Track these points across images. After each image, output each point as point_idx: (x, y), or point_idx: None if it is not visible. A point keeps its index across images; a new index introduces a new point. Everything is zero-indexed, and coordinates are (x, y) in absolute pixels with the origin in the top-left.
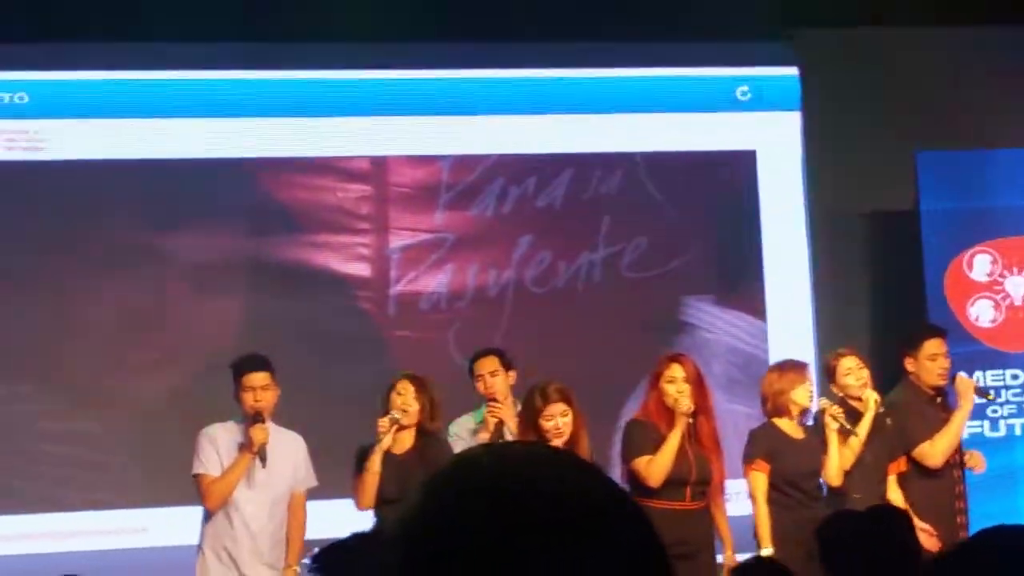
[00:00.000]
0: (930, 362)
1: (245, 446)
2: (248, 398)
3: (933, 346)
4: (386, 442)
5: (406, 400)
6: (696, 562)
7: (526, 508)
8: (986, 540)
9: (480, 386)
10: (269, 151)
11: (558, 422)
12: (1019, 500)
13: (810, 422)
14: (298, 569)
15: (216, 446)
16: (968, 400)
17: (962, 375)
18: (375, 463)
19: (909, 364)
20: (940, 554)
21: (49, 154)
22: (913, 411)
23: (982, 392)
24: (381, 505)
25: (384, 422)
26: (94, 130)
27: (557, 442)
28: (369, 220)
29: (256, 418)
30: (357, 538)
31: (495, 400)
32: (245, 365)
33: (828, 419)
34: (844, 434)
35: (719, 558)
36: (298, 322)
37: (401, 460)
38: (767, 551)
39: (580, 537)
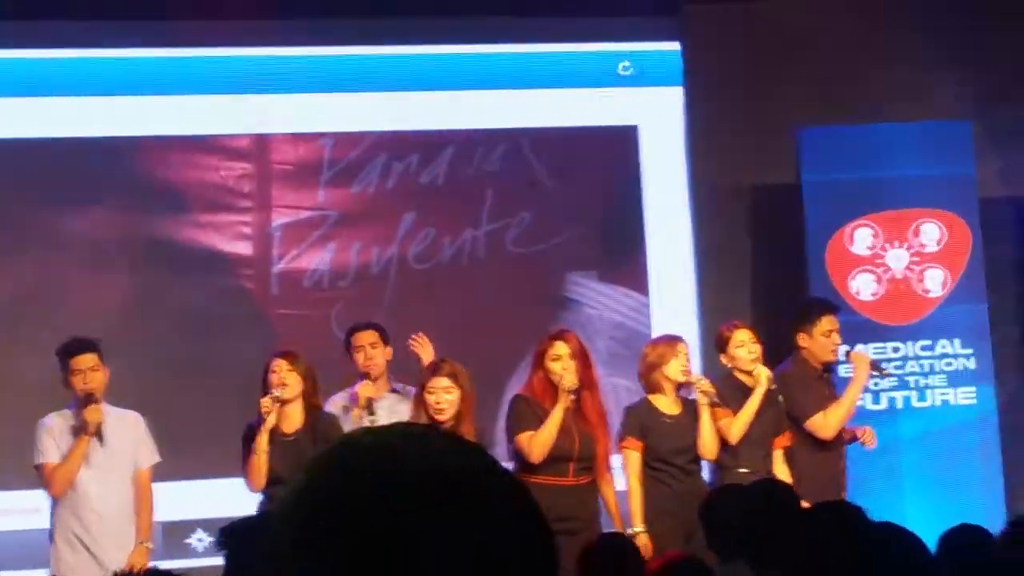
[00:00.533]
0: (824, 338)
1: (81, 429)
2: (77, 381)
3: (828, 322)
4: (270, 421)
5: (282, 375)
6: (581, 537)
7: (407, 488)
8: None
9: (359, 358)
10: (150, 129)
11: (440, 396)
12: (900, 473)
13: (691, 396)
14: (150, 545)
15: (53, 435)
16: (863, 373)
17: (857, 350)
18: (262, 443)
19: (802, 340)
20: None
21: None
22: (804, 385)
23: (877, 368)
24: (273, 485)
25: (266, 402)
26: None
27: (439, 418)
28: (251, 198)
29: (88, 399)
30: (261, 516)
31: (370, 373)
32: (71, 348)
33: (699, 394)
34: (715, 407)
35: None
36: (181, 301)
37: (291, 439)
38: (637, 529)
39: (459, 515)
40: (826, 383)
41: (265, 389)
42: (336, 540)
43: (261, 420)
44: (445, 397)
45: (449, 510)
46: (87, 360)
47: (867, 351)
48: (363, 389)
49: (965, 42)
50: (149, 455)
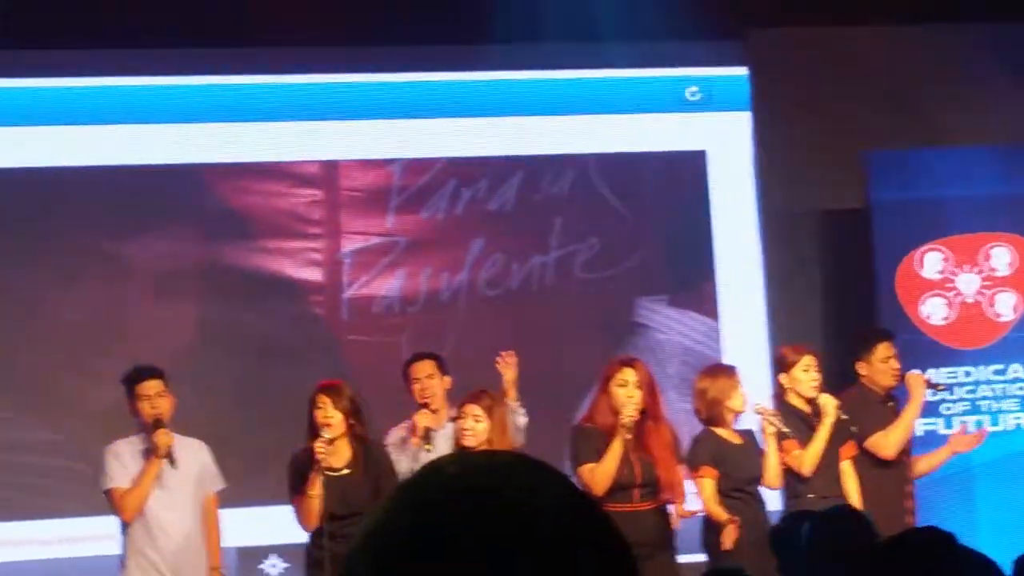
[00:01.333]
0: (883, 364)
1: (151, 453)
2: (145, 406)
3: (885, 349)
4: (325, 462)
5: (326, 413)
6: (652, 563)
7: (493, 516)
8: (907, 537)
9: (416, 388)
10: (220, 156)
11: (468, 423)
12: (973, 497)
13: (745, 426)
14: (222, 572)
15: (122, 460)
16: (919, 394)
17: (912, 371)
18: (316, 487)
19: (861, 368)
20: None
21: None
22: (867, 409)
23: (932, 385)
24: (326, 522)
25: (320, 448)
26: (43, 137)
27: (464, 443)
28: (321, 224)
29: (157, 424)
30: None
31: (427, 404)
32: (136, 375)
33: (765, 424)
34: (780, 437)
35: (679, 559)
36: (251, 327)
37: (340, 475)
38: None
39: (553, 541)
40: (890, 409)
41: (310, 421)
42: (422, 570)
43: (307, 452)
44: (473, 425)
45: (536, 538)
46: (153, 386)
47: (922, 373)
48: (421, 419)
49: None
50: (215, 481)
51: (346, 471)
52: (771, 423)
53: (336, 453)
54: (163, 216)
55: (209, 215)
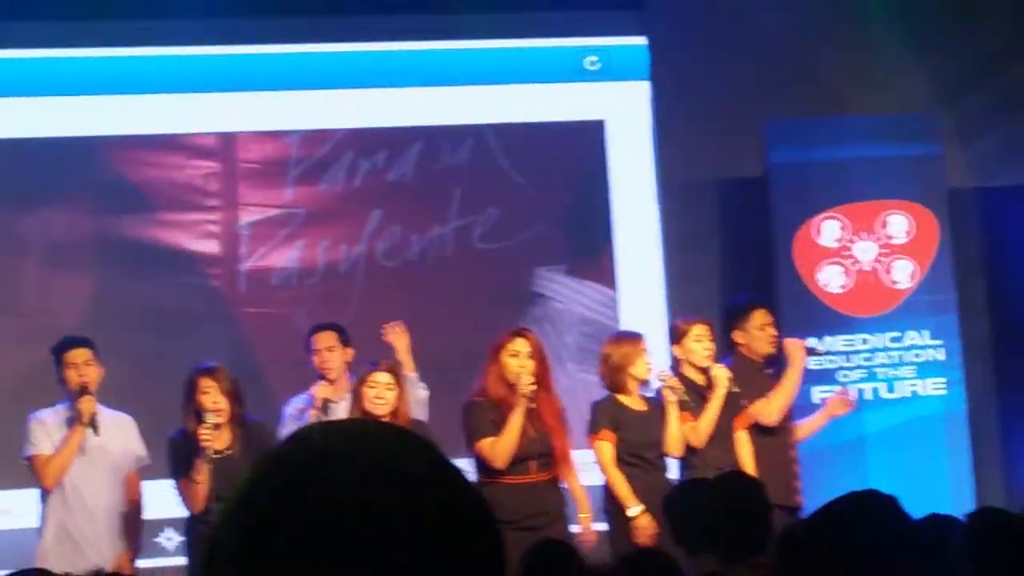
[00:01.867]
0: (759, 332)
1: (75, 421)
2: (72, 374)
3: (761, 316)
4: (210, 449)
5: (214, 398)
6: (550, 531)
7: (359, 483)
8: (848, 503)
9: (316, 360)
10: (117, 129)
11: (381, 391)
12: (867, 466)
13: (651, 393)
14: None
15: (46, 428)
16: (799, 359)
17: (789, 338)
18: (202, 472)
19: (738, 337)
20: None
21: None
22: (746, 379)
23: (811, 350)
24: (212, 502)
25: (206, 432)
26: None
27: (376, 412)
28: (218, 197)
29: (82, 391)
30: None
31: (326, 376)
32: (65, 344)
33: (666, 391)
34: (681, 405)
35: (573, 527)
36: (148, 300)
37: (223, 457)
38: (635, 509)
39: (419, 508)
40: (768, 376)
41: (190, 405)
42: (280, 528)
43: (183, 435)
44: (386, 393)
45: (386, 501)
46: (81, 354)
47: (825, 343)
48: (320, 391)
49: (931, 33)
50: (141, 456)
51: (229, 452)
52: (672, 391)
53: (219, 436)
54: (60, 190)
55: (106, 188)
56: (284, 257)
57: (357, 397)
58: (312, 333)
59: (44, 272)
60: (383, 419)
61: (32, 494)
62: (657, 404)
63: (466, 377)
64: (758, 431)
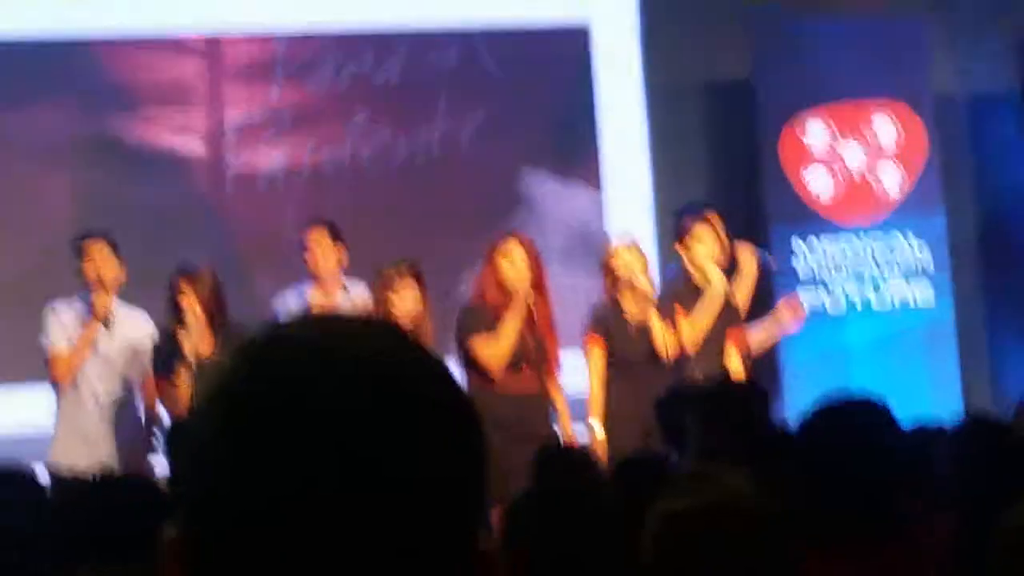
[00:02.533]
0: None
1: (88, 316)
2: (89, 267)
3: (701, 230)
4: (190, 353)
5: (190, 301)
6: (538, 441)
7: (345, 375)
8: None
9: (307, 258)
10: (104, 28)
11: (406, 298)
12: (852, 375)
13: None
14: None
15: (61, 320)
16: (751, 267)
17: (742, 243)
18: (182, 376)
19: (680, 248)
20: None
21: None
22: (682, 293)
23: (766, 266)
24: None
25: (186, 339)
26: None
27: (400, 311)
28: (203, 98)
29: (99, 285)
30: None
31: (317, 273)
32: (86, 236)
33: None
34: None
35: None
36: (135, 200)
37: (207, 362)
38: (595, 422)
39: (406, 401)
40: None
41: (172, 307)
42: (248, 431)
43: (165, 337)
44: (409, 297)
45: (383, 399)
46: (98, 246)
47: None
48: (313, 297)
49: None
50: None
51: (214, 359)
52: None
53: (202, 339)
54: (46, 90)
55: (91, 88)
56: (270, 159)
57: (380, 300)
58: (302, 230)
59: (30, 172)
60: (404, 322)
61: (24, 390)
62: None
63: (452, 282)
64: None
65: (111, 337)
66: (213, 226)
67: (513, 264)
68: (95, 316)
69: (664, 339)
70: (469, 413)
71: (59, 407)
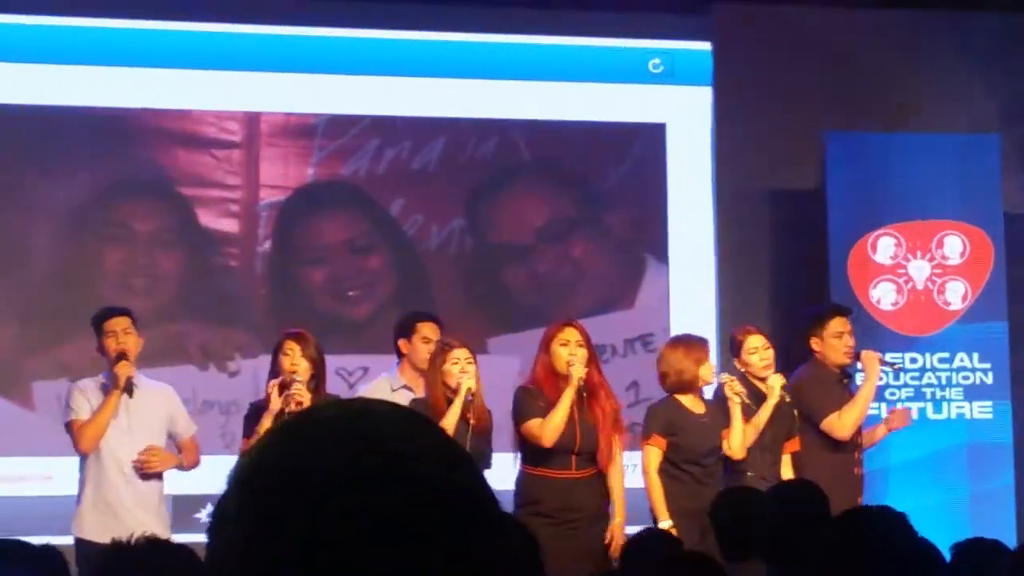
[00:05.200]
0: (836, 340)
1: (112, 387)
2: (111, 342)
3: (838, 324)
4: (275, 405)
5: (293, 359)
6: (585, 530)
7: (367, 457)
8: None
9: (425, 350)
10: (144, 101)
11: (463, 364)
12: (910, 488)
13: (708, 396)
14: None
15: (86, 395)
16: (874, 372)
17: (868, 350)
18: (264, 427)
19: (815, 344)
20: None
21: None
22: (820, 388)
23: (888, 364)
24: None
25: (272, 385)
26: None
27: (467, 381)
28: (240, 176)
29: (120, 357)
30: None
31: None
32: (105, 313)
33: (729, 393)
34: (744, 409)
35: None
36: (167, 274)
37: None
38: (665, 524)
39: (425, 484)
40: (843, 387)
41: (274, 369)
42: (268, 507)
43: (267, 402)
44: (468, 367)
45: (402, 482)
46: (120, 323)
47: (877, 351)
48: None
49: (995, 55)
50: (187, 425)
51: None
52: (736, 395)
53: (304, 399)
54: (82, 159)
55: (129, 160)
56: (305, 236)
57: (438, 376)
58: (421, 320)
59: (59, 240)
60: (470, 390)
61: (71, 462)
62: (716, 408)
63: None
64: (827, 445)
65: (134, 408)
66: (244, 306)
67: (568, 349)
68: (116, 385)
69: (738, 437)
70: (495, 509)
71: (83, 478)
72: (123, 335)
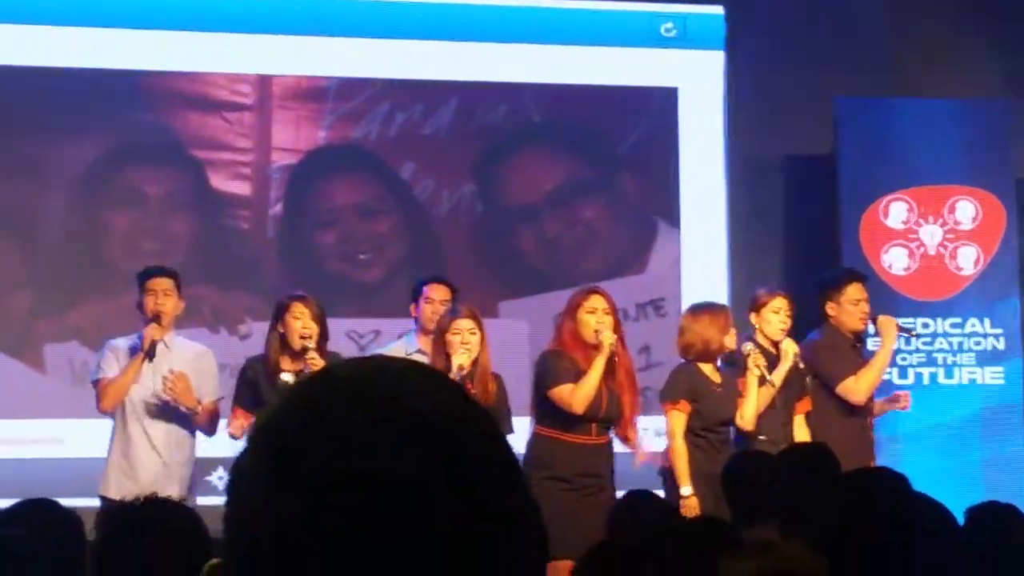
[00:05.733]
0: (852, 306)
1: (139, 348)
2: (149, 301)
3: (855, 291)
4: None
5: (305, 323)
6: (599, 495)
7: (384, 414)
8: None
9: (428, 310)
10: (155, 64)
11: (464, 336)
12: (924, 450)
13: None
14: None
15: (117, 354)
16: (891, 338)
17: (884, 316)
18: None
19: (831, 308)
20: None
21: None
22: (835, 353)
23: (904, 330)
24: None
25: (315, 359)
26: None
27: (465, 355)
28: (252, 139)
29: (154, 319)
30: None
31: (428, 327)
32: (149, 272)
33: (751, 365)
34: (761, 381)
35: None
36: (176, 235)
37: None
38: (687, 490)
39: (443, 441)
40: (857, 352)
41: (279, 329)
42: (287, 471)
43: (260, 360)
44: (470, 338)
45: (420, 438)
46: (161, 283)
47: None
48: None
49: (1008, 21)
50: (212, 390)
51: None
52: (757, 367)
53: (297, 366)
54: (94, 122)
55: (139, 122)
56: (315, 200)
57: (441, 345)
58: (426, 283)
59: (70, 204)
60: (467, 365)
61: (82, 424)
62: (731, 377)
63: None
64: (844, 411)
65: (161, 370)
66: (255, 264)
67: (596, 316)
68: (142, 348)
69: (751, 408)
70: (515, 471)
71: (112, 437)
72: (162, 296)
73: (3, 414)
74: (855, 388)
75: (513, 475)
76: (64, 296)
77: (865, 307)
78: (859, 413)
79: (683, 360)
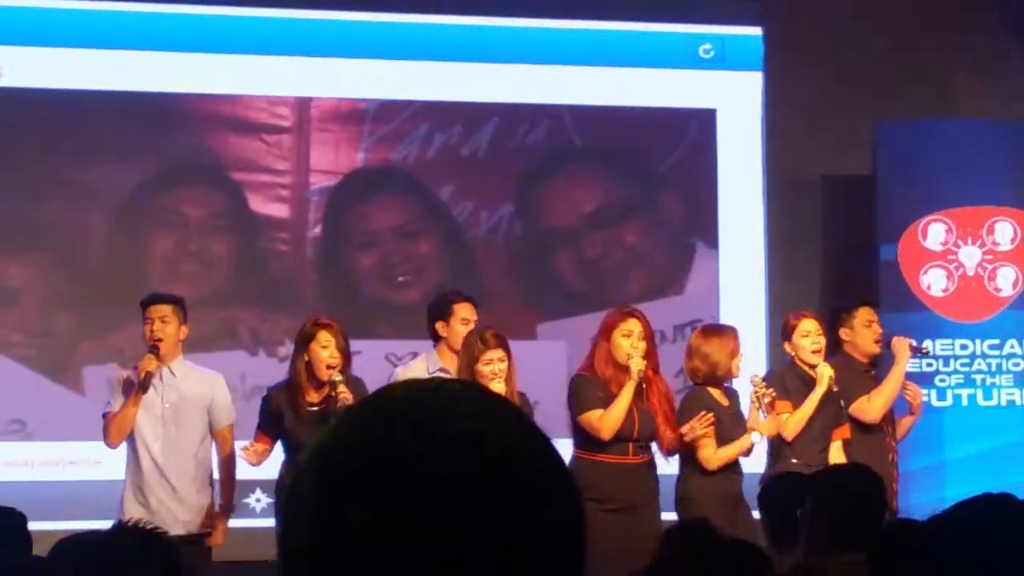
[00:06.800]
0: (864, 328)
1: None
2: (147, 330)
3: (866, 313)
4: (345, 399)
5: (333, 353)
6: (640, 516)
7: (441, 436)
8: (973, 508)
9: (462, 330)
10: (194, 87)
11: (495, 367)
12: (960, 470)
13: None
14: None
15: (121, 386)
16: (904, 357)
17: (897, 336)
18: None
19: (844, 334)
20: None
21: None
22: (849, 375)
23: (917, 349)
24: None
25: (343, 392)
26: (32, 58)
27: (496, 385)
28: (290, 161)
29: (151, 349)
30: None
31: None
32: (149, 299)
33: (753, 397)
34: (773, 402)
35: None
36: (217, 259)
37: (318, 409)
38: (756, 436)
39: (500, 464)
40: (871, 377)
41: (301, 350)
42: (352, 481)
43: (285, 386)
44: (500, 366)
45: (477, 462)
46: (159, 310)
47: (925, 345)
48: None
49: None
50: (226, 415)
51: (322, 407)
52: (759, 399)
53: (312, 393)
54: (133, 144)
55: (179, 145)
56: (354, 222)
57: (470, 374)
58: (454, 301)
59: (112, 227)
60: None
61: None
62: (737, 399)
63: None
64: (859, 429)
65: (172, 398)
66: (293, 286)
67: (631, 341)
68: (138, 379)
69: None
70: (565, 483)
71: (127, 463)
72: (159, 323)
73: (44, 436)
74: (868, 407)
75: (574, 502)
76: (106, 318)
77: (878, 329)
78: (875, 433)
79: (692, 384)
